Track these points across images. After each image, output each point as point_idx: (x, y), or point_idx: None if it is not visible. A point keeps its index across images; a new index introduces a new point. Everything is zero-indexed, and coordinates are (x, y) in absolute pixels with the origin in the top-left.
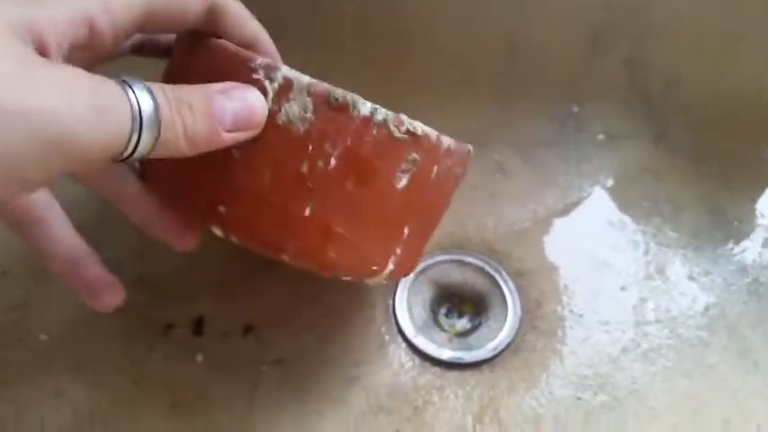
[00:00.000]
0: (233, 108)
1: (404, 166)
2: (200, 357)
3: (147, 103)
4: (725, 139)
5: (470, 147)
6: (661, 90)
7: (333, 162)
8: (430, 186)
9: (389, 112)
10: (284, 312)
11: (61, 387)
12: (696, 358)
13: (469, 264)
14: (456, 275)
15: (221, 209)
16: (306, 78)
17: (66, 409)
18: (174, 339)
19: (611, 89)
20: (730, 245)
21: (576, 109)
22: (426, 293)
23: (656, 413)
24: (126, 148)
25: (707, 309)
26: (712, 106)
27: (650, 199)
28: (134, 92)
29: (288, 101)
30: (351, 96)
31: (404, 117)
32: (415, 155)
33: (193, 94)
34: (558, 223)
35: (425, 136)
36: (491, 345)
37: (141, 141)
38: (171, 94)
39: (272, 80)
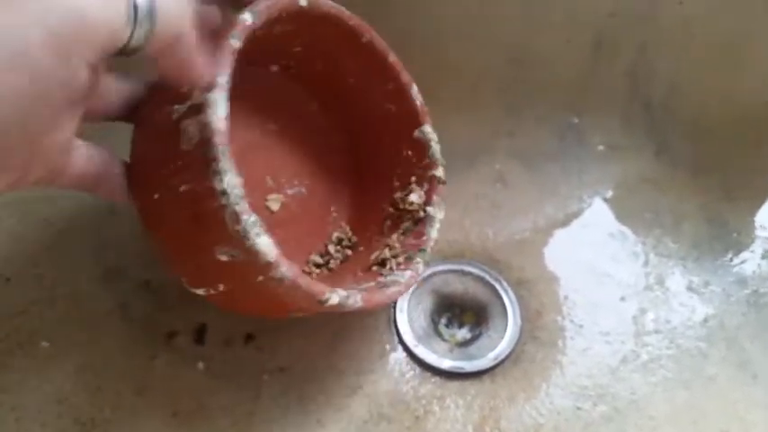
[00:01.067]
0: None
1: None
2: (201, 365)
3: None
4: (726, 150)
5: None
6: (662, 100)
7: (182, 188)
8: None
9: (240, 194)
10: (285, 321)
11: (63, 394)
12: (695, 369)
13: (470, 273)
14: (457, 285)
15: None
16: (219, 125)
17: (68, 416)
18: (176, 347)
19: (612, 100)
20: (730, 256)
21: (576, 120)
22: (427, 303)
23: (655, 424)
24: (126, 34)
25: (706, 320)
26: (714, 117)
27: (651, 210)
28: None
29: (194, 116)
30: (226, 163)
31: (241, 209)
32: (236, 251)
33: None
34: (559, 234)
35: (253, 250)
36: (491, 354)
37: (137, 27)
38: None
39: (204, 91)
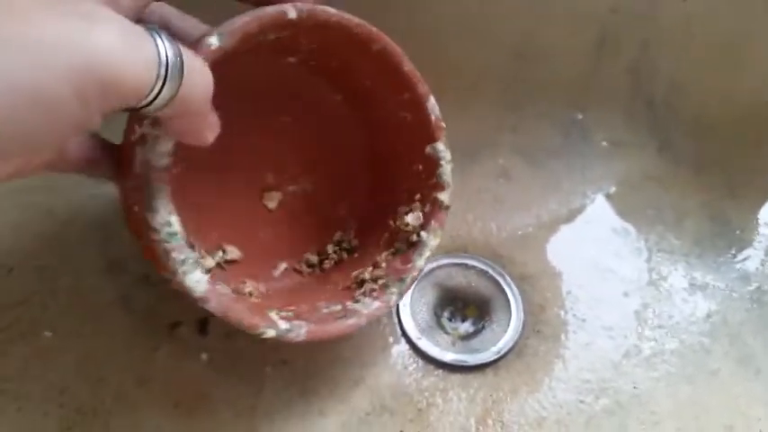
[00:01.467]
0: None
1: None
2: (204, 357)
3: (172, 52)
4: (729, 147)
5: None
6: (665, 98)
7: (135, 208)
8: None
9: (171, 231)
10: None
11: (65, 383)
12: (698, 364)
13: (473, 267)
14: (460, 279)
15: None
16: (158, 162)
17: (70, 406)
18: (178, 338)
19: (615, 97)
20: (733, 253)
21: (580, 116)
22: (430, 296)
23: (658, 418)
24: (150, 92)
25: (709, 315)
26: (716, 114)
27: (653, 206)
28: (161, 39)
29: (142, 145)
30: (161, 202)
31: (171, 247)
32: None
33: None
34: (562, 229)
35: (183, 285)
36: (494, 348)
37: (165, 88)
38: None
39: (152, 123)
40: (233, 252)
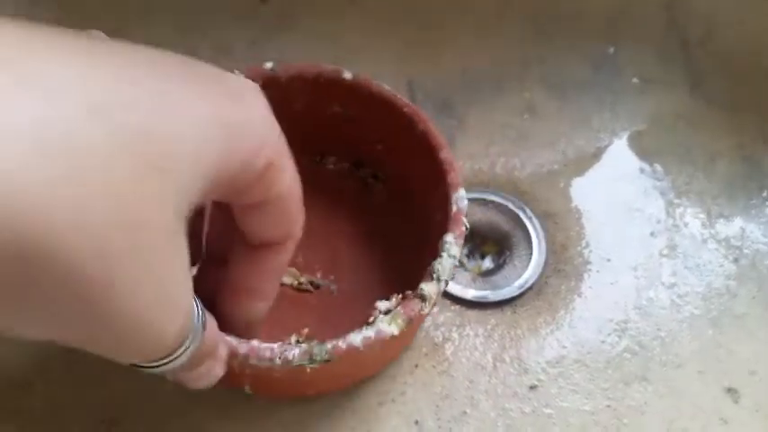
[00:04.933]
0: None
1: None
2: None
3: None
4: (763, 90)
5: None
6: (700, 36)
7: None
8: None
9: None
10: None
11: None
12: (724, 308)
13: (493, 203)
14: (479, 215)
15: None
16: None
17: None
18: None
19: (649, 33)
20: (764, 196)
21: (611, 50)
22: None
23: (680, 361)
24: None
25: (737, 259)
26: (751, 56)
27: (683, 147)
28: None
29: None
30: None
31: None
32: None
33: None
34: (589, 166)
35: None
36: (514, 285)
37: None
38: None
39: None
40: None
